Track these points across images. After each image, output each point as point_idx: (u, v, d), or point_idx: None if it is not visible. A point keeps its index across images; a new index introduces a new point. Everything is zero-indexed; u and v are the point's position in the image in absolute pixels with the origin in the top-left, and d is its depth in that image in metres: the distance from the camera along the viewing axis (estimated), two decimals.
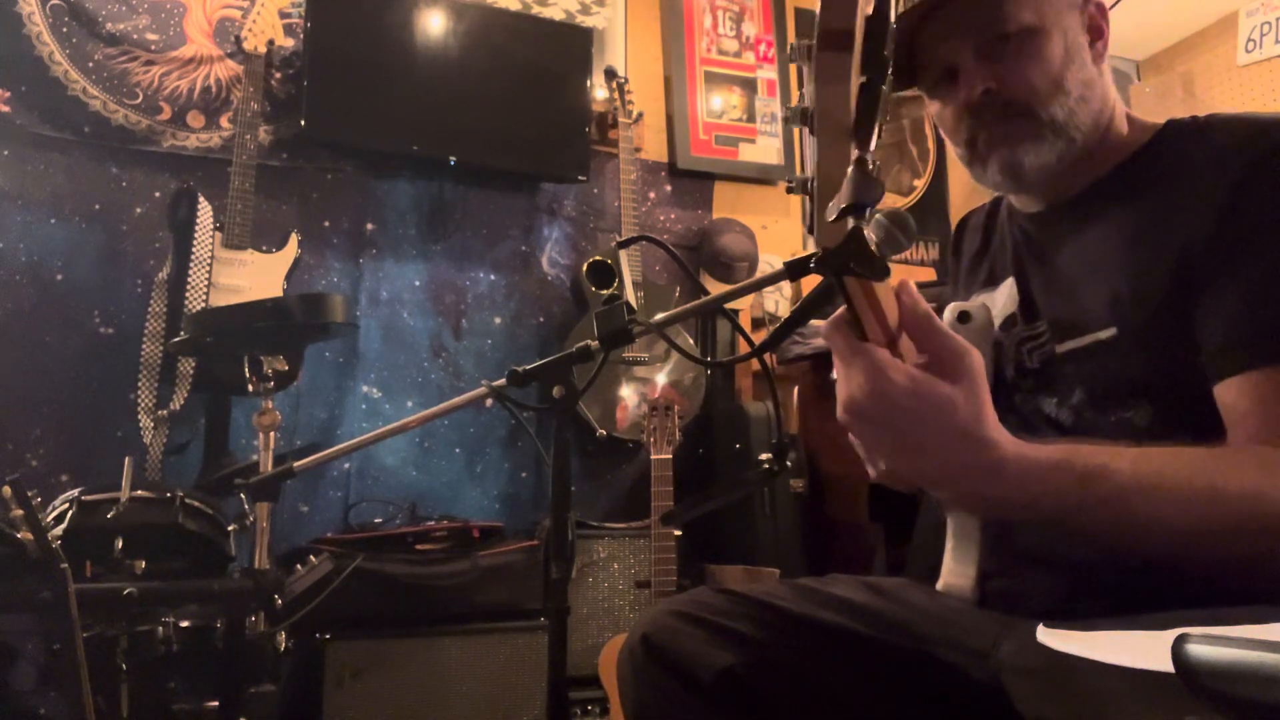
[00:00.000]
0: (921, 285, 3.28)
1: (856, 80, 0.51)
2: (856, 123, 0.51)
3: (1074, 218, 1.03)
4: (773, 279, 1.30)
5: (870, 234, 0.54)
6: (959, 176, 3.93)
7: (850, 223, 0.53)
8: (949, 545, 1.08)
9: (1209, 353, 0.86)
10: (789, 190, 0.63)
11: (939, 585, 1.08)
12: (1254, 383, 0.84)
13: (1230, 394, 0.85)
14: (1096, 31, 1.04)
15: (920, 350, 0.68)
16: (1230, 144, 0.92)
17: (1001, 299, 1.09)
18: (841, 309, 0.66)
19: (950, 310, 1.10)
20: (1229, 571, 0.74)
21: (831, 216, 0.53)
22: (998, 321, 1.08)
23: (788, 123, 2.95)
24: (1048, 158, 1.00)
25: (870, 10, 0.51)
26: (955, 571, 1.06)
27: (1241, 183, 0.88)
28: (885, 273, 0.58)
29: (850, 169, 0.52)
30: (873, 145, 0.52)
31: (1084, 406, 0.96)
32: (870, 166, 0.51)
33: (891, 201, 3.77)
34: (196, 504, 2.04)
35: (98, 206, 2.68)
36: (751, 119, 3.54)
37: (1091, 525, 0.74)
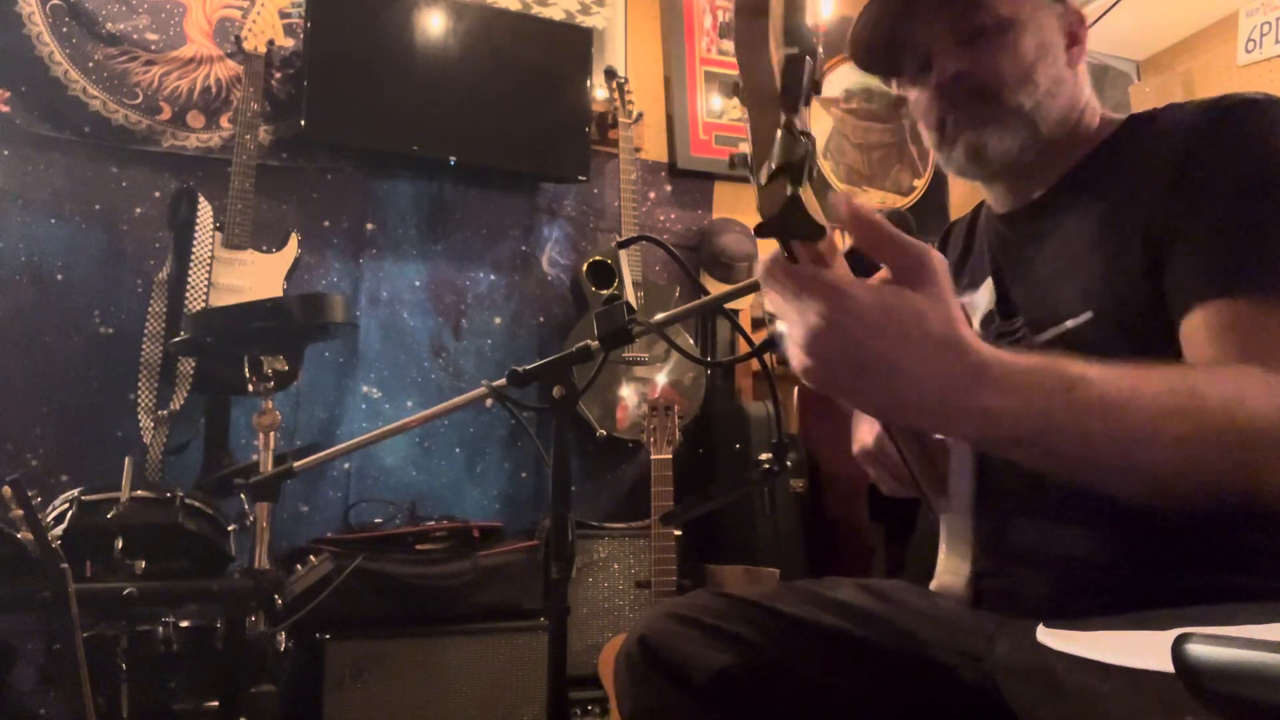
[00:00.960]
0: None
1: (779, 50, 0.51)
2: (783, 89, 0.51)
3: (1043, 214, 1.05)
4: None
5: (807, 195, 0.53)
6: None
7: (788, 188, 0.52)
8: (942, 545, 1.09)
9: (1172, 298, 0.87)
10: (730, 167, 0.60)
11: (932, 585, 1.08)
12: (1211, 313, 0.83)
13: (1188, 328, 0.85)
14: (1073, 38, 1.07)
15: (878, 261, 0.63)
16: (1179, 122, 0.95)
17: (982, 300, 1.10)
18: (776, 250, 0.61)
19: None
20: (1208, 492, 0.72)
21: (763, 180, 0.52)
22: (977, 319, 1.09)
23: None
24: (1011, 144, 1.02)
25: None
26: (948, 571, 1.06)
27: (1190, 150, 0.90)
28: (822, 233, 0.57)
29: (779, 132, 0.51)
30: (800, 110, 0.51)
31: None
32: (797, 129, 0.50)
33: (892, 201, 3.77)
34: (196, 504, 2.04)
35: (98, 206, 2.68)
36: None
37: (1081, 436, 0.68)
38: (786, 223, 0.54)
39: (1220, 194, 0.87)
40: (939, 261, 0.63)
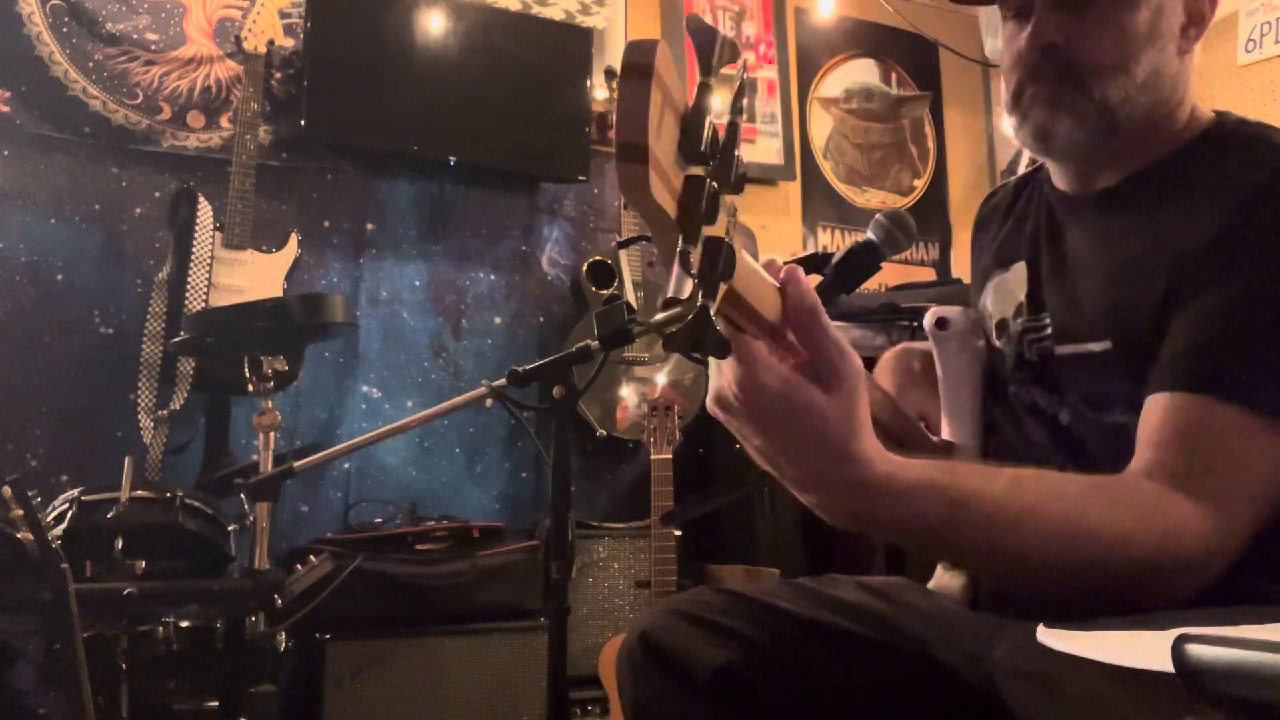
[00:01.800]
0: (921, 286, 3.26)
1: (677, 175, 0.51)
2: (679, 219, 0.51)
3: (1097, 208, 1.00)
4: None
5: (712, 318, 0.53)
6: (959, 176, 3.93)
7: (696, 304, 0.52)
8: None
9: (1156, 367, 0.85)
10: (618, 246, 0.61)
11: (930, 584, 1.08)
12: (1171, 406, 0.81)
13: (1149, 409, 0.83)
14: (1196, 16, 0.96)
15: (803, 347, 0.65)
16: (1250, 162, 0.88)
17: (1010, 284, 1.07)
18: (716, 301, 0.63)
19: (929, 317, 1.08)
20: (1090, 604, 0.72)
21: (659, 314, 0.53)
22: (1008, 309, 1.06)
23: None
24: (1081, 136, 0.95)
25: (688, 107, 0.51)
26: (948, 572, 1.06)
27: (1243, 205, 0.85)
28: (726, 351, 0.58)
29: (675, 264, 0.52)
30: (700, 236, 0.51)
31: (1081, 407, 0.96)
32: (689, 259, 0.51)
33: (892, 201, 3.77)
34: (196, 504, 2.04)
35: (98, 206, 2.68)
36: (751, 119, 3.54)
37: (957, 550, 0.75)
38: (696, 340, 0.54)
39: (1238, 285, 0.83)
40: (855, 368, 0.65)
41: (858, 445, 0.65)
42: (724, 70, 0.53)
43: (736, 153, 0.55)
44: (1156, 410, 0.82)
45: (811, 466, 0.65)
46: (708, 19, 3.54)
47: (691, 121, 0.51)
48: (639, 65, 0.48)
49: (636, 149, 0.47)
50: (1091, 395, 0.95)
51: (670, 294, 0.52)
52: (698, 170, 0.52)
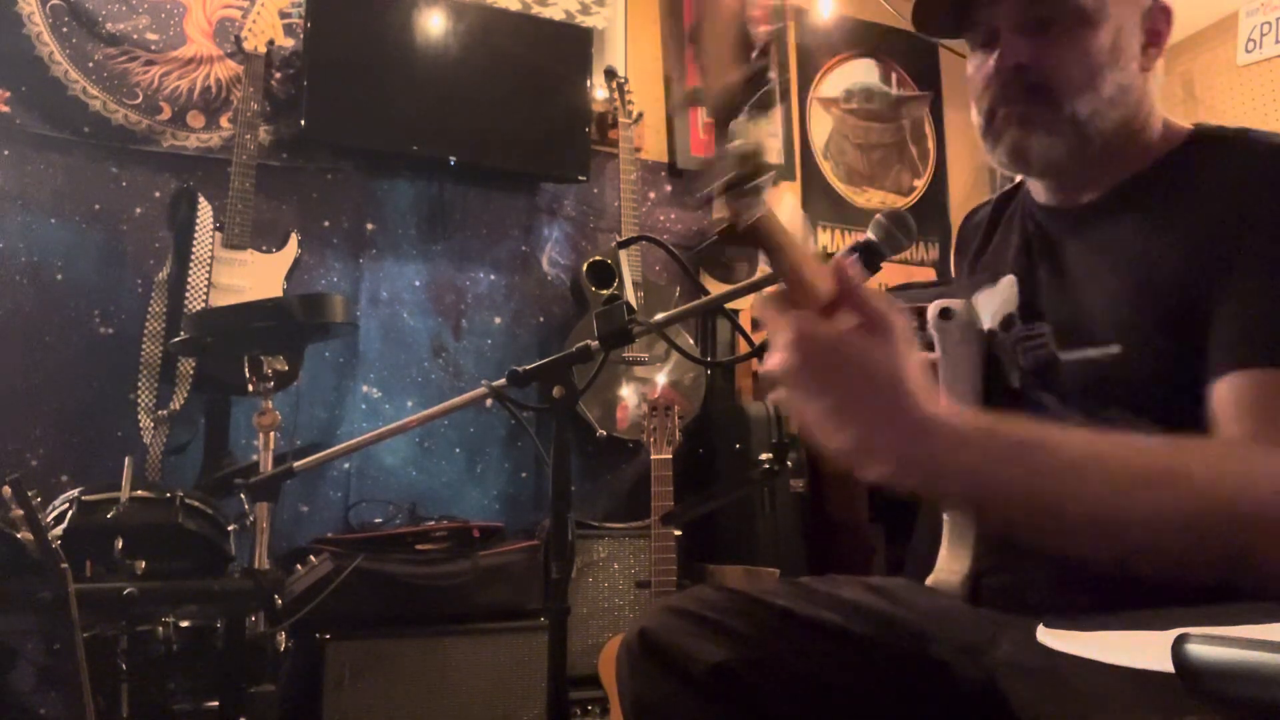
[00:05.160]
0: (921, 286, 3.26)
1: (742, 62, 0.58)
2: (741, 97, 0.59)
3: (1089, 222, 1.01)
4: (773, 279, 1.30)
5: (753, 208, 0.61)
6: (959, 176, 3.93)
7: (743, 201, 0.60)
8: (944, 541, 1.09)
9: (1209, 359, 0.84)
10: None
11: (928, 580, 1.09)
12: (1245, 381, 0.81)
13: (1219, 392, 0.83)
14: (1154, 35, 1.00)
15: (854, 309, 0.69)
16: (1247, 164, 0.90)
17: (1000, 297, 1.07)
18: (775, 286, 0.69)
19: (933, 307, 1.09)
20: (1194, 569, 0.68)
21: (700, 195, 0.61)
22: (996, 320, 1.07)
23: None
24: (1056, 152, 0.97)
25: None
26: (946, 569, 1.07)
27: (1250, 205, 0.86)
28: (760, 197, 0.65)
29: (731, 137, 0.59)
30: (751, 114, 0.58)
31: (1087, 409, 0.96)
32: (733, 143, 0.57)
33: (892, 201, 3.77)
34: (196, 504, 2.04)
35: (98, 206, 2.68)
36: None
37: (1035, 503, 0.67)
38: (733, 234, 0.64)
39: (1271, 262, 0.84)
40: (899, 323, 0.67)
41: (914, 391, 0.66)
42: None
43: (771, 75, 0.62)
44: (1229, 389, 0.82)
45: (871, 416, 0.66)
46: None
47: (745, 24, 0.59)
48: None
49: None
50: (1100, 399, 0.94)
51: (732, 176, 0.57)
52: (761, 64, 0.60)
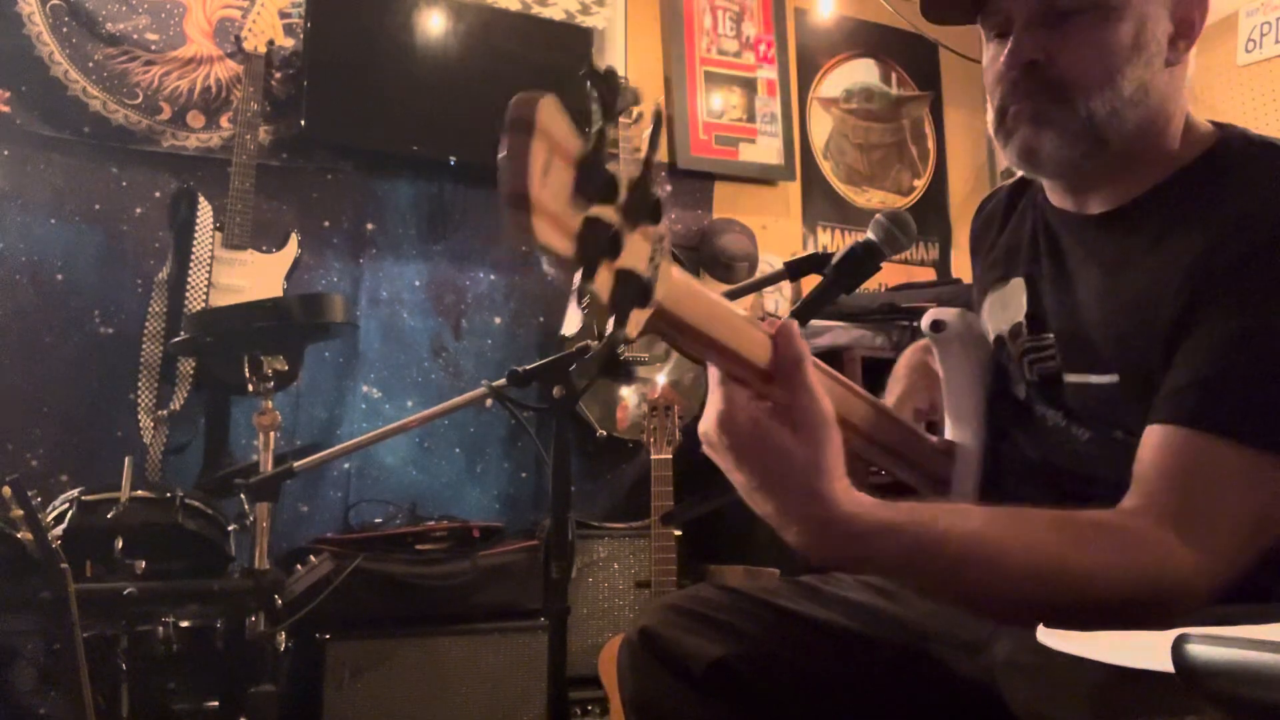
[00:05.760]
0: (921, 286, 3.26)
1: (574, 217, 0.54)
2: (575, 255, 0.54)
3: (1100, 233, 0.96)
4: (773, 279, 1.30)
5: (632, 321, 0.58)
6: (959, 176, 3.93)
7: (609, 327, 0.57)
8: None
9: (1155, 400, 0.83)
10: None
11: None
12: (1166, 441, 0.80)
13: (1146, 441, 0.82)
14: (1185, 26, 0.92)
15: (783, 391, 0.69)
16: (1256, 191, 0.85)
17: (1009, 301, 1.05)
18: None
19: (925, 319, 1.07)
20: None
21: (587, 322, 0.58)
22: (1005, 327, 1.05)
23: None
24: (1069, 153, 0.92)
25: (585, 151, 0.55)
26: None
27: (1252, 238, 0.82)
28: (626, 377, 0.65)
29: (571, 300, 0.57)
30: (597, 266, 0.55)
31: (1092, 427, 0.95)
32: (587, 290, 0.55)
33: (892, 201, 3.77)
34: (196, 504, 2.04)
35: (98, 206, 2.68)
36: (751, 119, 3.54)
37: (923, 589, 0.78)
38: (601, 363, 0.61)
39: (1243, 318, 0.81)
40: (824, 416, 0.69)
41: (823, 485, 0.68)
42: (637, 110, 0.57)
43: (654, 187, 0.59)
44: (1152, 444, 0.81)
45: (781, 503, 0.69)
46: (707, 19, 3.54)
47: (586, 163, 0.55)
48: (520, 120, 0.53)
49: (518, 197, 0.51)
50: (1101, 420, 0.94)
51: (564, 330, 0.56)
52: (601, 210, 0.55)
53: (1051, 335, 0.99)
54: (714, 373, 0.69)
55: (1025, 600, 0.74)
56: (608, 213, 0.55)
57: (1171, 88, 0.93)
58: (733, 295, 1.40)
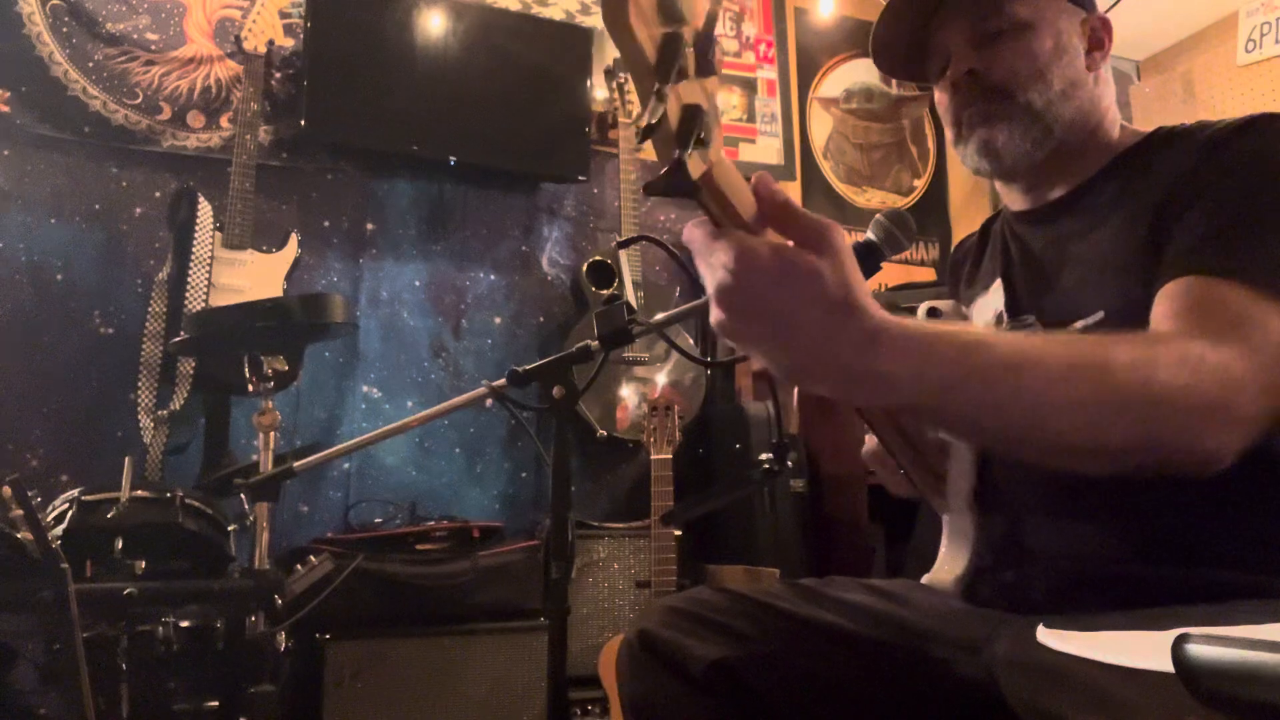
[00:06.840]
0: (921, 286, 3.26)
1: (657, 27, 0.56)
2: (657, 63, 0.56)
3: (1060, 214, 1.07)
4: None
5: (693, 160, 0.57)
6: (959, 176, 3.93)
7: (675, 152, 0.57)
8: (944, 542, 1.09)
9: (1160, 273, 0.88)
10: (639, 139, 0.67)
11: (925, 578, 1.09)
12: (1183, 287, 0.85)
13: (1159, 301, 0.87)
14: (1096, 42, 1.09)
15: (782, 234, 0.65)
16: (1205, 136, 0.95)
17: (992, 301, 1.11)
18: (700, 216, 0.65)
19: (922, 308, 1.13)
20: (1115, 460, 0.73)
21: (638, 140, 0.59)
22: (988, 319, 1.09)
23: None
24: (1022, 142, 1.04)
25: None
26: (942, 568, 1.07)
27: (1208, 154, 0.92)
28: (697, 192, 0.60)
29: (650, 99, 0.56)
30: (671, 78, 0.56)
31: None
32: (665, 98, 0.55)
33: (892, 201, 3.77)
34: (196, 504, 2.04)
35: (98, 206, 2.68)
36: (751, 119, 3.54)
37: (976, 401, 0.69)
38: (668, 183, 0.57)
39: (1225, 187, 0.89)
40: (840, 237, 0.64)
41: (860, 298, 0.64)
42: None
43: (715, 47, 0.60)
44: (1166, 296, 0.86)
45: (820, 329, 0.63)
46: None
47: None
48: None
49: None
50: None
51: (644, 123, 0.56)
52: (681, 29, 0.57)
53: (1031, 316, 1.04)
54: (703, 238, 0.64)
55: (1071, 400, 0.70)
56: (687, 34, 0.57)
57: (1099, 91, 1.08)
58: None
